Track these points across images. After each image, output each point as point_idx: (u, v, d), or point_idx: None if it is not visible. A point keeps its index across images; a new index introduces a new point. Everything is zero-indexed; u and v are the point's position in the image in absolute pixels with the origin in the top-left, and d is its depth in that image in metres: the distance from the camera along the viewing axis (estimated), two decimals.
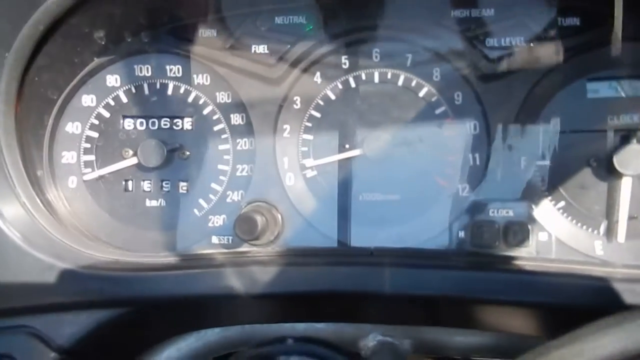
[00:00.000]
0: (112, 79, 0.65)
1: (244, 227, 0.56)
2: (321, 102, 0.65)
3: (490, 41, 0.61)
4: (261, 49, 0.63)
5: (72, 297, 0.53)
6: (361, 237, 0.61)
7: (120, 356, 0.59)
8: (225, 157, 0.65)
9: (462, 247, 0.58)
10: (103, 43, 0.61)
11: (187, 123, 0.65)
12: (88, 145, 0.65)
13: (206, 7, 0.62)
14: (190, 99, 0.65)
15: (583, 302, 0.49)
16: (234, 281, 0.53)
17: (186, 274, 0.55)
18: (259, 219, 0.57)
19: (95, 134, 0.65)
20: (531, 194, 0.59)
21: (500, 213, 0.58)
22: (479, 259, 0.57)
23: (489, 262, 0.55)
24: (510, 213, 0.58)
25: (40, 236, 0.55)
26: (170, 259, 0.58)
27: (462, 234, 0.59)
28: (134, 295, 0.53)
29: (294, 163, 0.64)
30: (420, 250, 0.59)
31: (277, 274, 0.53)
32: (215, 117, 0.65)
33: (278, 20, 0.63)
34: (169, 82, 0.65)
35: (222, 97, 0.65)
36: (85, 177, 0.64)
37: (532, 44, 0.60)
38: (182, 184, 0.65)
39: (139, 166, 0.64)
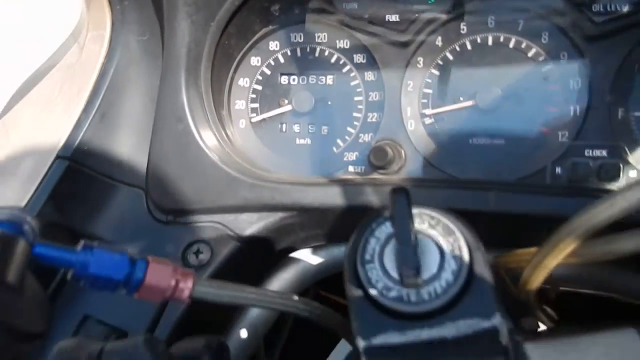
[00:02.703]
0: (274, 45, 0.84)
1: (378, 155, 0.72)
2: (440, 62, 0.78)
3: (596, 7, 0.70)
4: (394, 17, 0.78)
5: (249, 202, 0.72)
6: (470, 174, 0.74)
7: (279, 252, 0.78)
8: (359, 106, 0.81)
9: (558, 182, 0.69)
10: (277, 15, 0.80)
11: (329, 79, 0.82)
12: (254, 96, 0.84)
13: None
14: (332, 60, 0.82)
15: None
16: (370, 197, 0.69)
17: (332, 188, 0.71)
18: (389, 151, 0.72)
19: (259, 87, 0.84)
20: (626, 139, 0.68)
21: (595, 154, 0.68)
22: (574, 190, 0.67)
23: (582, 192, 0.65)
24: (604, 153, 0.68)
25: (227, 157, 0.74)
26: (318, 180, 0.75)
27: (559, 170, 0.70)
28: (292, 202, 0.71)
29: (415, 112, 0.78)
30: (521, 182, 0.71)
31: None
32: (352, 75, 0.81)
33: None
34: (316, 46, 0.82)
35: (359, 58, 0.81)
36: (252, 120, 0.83)
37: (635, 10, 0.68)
38: (324, 127, 0.82)
39: (292, 112, 0.82)
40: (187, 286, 0.47)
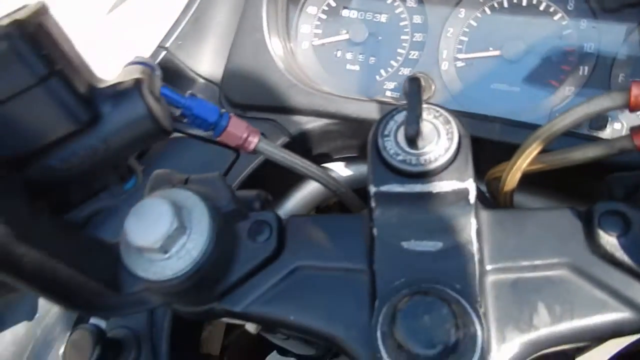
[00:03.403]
0: None
1: (412, 82, 0.87)
2: (479, 15, 0.92)
3: None
4: None
5: (302, 106, 0.89)
6: (486, 111, 0.89)
7: (318, 156, 0.96)
8: (404, 44, 0.95)
9: None
10: None
11: (383, 17, 0.97)
12: (318, 23, 1.00)
13: None
14: (389, 1, 0.97)
15: None
16: None
17: (370, 104, 0.87)
18: (422, 80, 0.87)
19: (324, 16, 0.99)
20: None
21: None
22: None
23: (573, 135, 0.79)
24: None
25: (290, 68, 0.91)
26: (360, 97, 0.91)
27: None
28: (336, 111, 0.88)
29: (450, 55, 0.93)
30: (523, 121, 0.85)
31: None
32: (402, 16, 0.96)
33: None
34: None
35: (411, 2, 0.95)
36: (314, 43, 1.00)
37: None
38: (371, 58, 0.97)
39: (347, 41, 0.98)
40: (254, 140, 0.66)
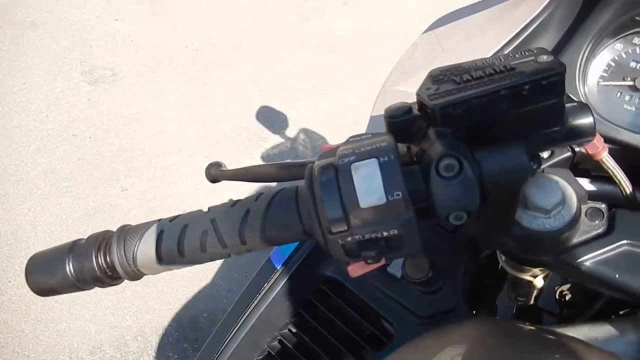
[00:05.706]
0: (637, 40, 1.24)
1: None
2: None
3: None
4: None
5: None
6: None
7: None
8: None
9: None
10: None
11: None
12: (606, 68, 1.25)
13: None
14: None
15: None
16: None
17: None
18: None
19: (613, 64, 1.25)
20: None
21: None
22: None
23: None
24: None
25: (584, 99, 1.19)
26: None
27: None
28: (622, 140, 1.14)
29: None
30: None
31: None
32: None
33: None
34: None
35: None
36: (600, 83, 1.26)
37: None
38: None
39: (630, 87, 1.22)
40: (602, 153, 0.94)
